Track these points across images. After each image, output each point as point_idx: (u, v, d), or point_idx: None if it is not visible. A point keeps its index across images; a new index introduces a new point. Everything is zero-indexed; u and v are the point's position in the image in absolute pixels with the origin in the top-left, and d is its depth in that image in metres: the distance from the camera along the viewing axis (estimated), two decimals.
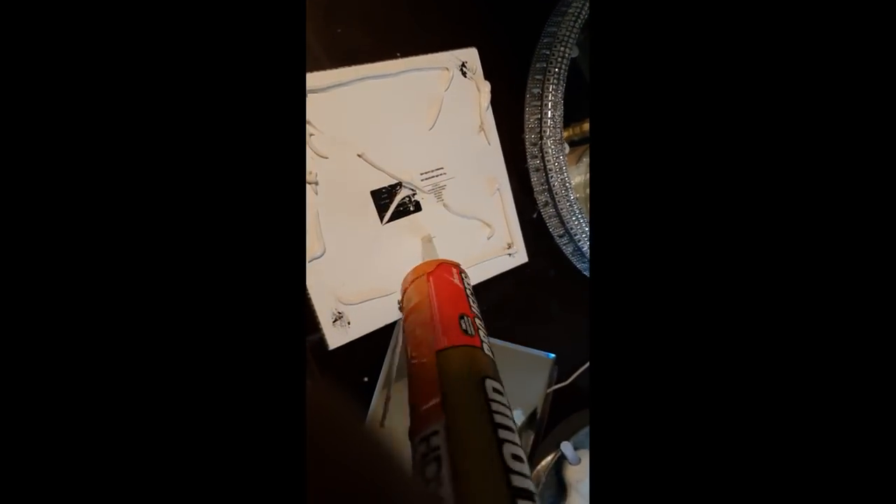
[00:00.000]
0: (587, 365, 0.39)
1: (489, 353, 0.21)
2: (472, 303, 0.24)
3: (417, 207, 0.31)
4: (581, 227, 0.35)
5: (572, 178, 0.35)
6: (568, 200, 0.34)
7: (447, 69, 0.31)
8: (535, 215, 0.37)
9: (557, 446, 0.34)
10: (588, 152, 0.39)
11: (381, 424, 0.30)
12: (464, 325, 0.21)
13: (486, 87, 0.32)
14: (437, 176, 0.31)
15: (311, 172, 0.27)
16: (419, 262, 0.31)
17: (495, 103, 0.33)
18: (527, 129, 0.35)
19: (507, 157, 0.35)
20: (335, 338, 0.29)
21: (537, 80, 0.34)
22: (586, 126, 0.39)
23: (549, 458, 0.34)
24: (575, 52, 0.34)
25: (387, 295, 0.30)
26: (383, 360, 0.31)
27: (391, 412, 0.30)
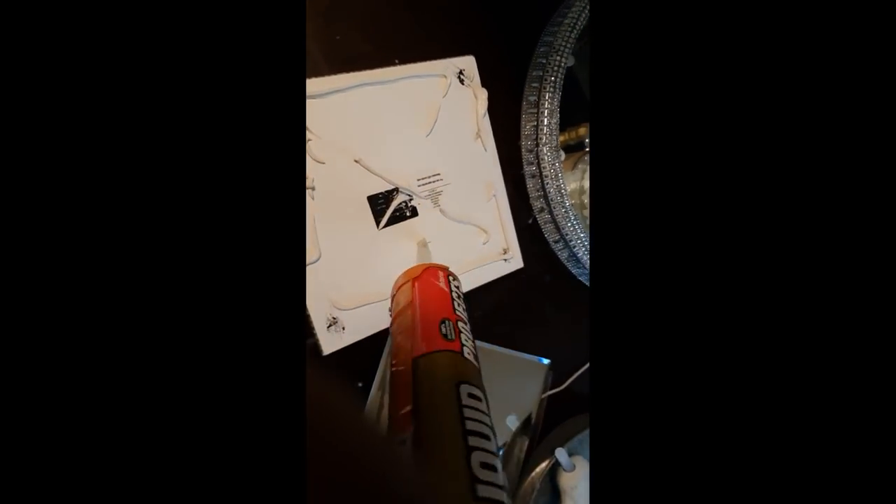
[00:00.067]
0: (582, 370, 0.39)
1: (470, 357, 0.20)
2: (457, 306, 0.23)
3: (414, 213, 0.31)
4: (576, 234, 0.35)
5: (567, 184, 0.35)
6: (563, 207, 0.35)
7: (445, 76, 0.31)
8: (530, 221, 0.37)
9: (552, 452, 0.34)
10: (583, 158, 0.39)
11: None
12: (444, 330, 0.21)
13: (483, 94, 0.32)
14: (433, 182, 0.32)
15: (308, 178, 0.27)
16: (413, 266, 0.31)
17: (492, 110, 0.33)
18: (523, 136, 0.35)
19: (503, 164, 0.35)
20: (329, 343, 0.29)
21: (534, 87, 0.35)
22: (581, 130, 0.40)
23: (544, 464, 0.34)
24: (571, 62, 0.34)
25: (382, 300, 0.30)
26: (377, 366, 0.31)
27: (385, 419, 0.30)
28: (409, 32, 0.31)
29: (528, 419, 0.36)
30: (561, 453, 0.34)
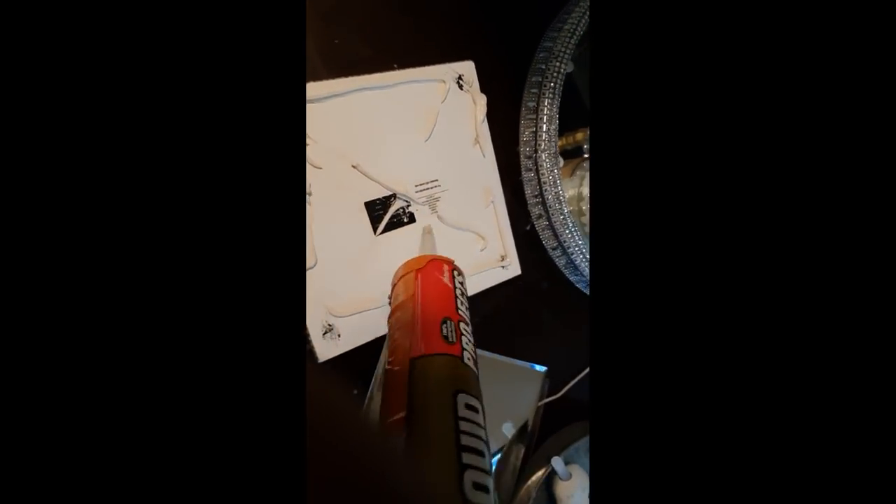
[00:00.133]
0: (578, 378, 0.39)
1: (469, 364, 0.20)
2: (460, 305, 0.22)
3: (411, 219, 0.31)
4: (574, 240, 0.35)
5: (566, 190, 0.35)
6: (562, 213, 0.34)
7: (444, 81, 0.31)
8: (528, 227, 0.37)
9: (548, 461, 0.34)
10: (581, 165, 0.39)
11: None
12: (445, 331, 0.20)
13: (483, 100, 0.32)
14: (431, 188, 0.31)
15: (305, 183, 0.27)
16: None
17: (490, 115, 0.33)
18: (521, 142, 0.35)
19: (501, 169, 0.35)
20: (325, 350, 0.28)
21: (533, 93, 0.35)
22: (579, 135, 0.40)
23: (540, 472, 0.34)
24: (570, 68, 0.34)
25: (378, 307, 0.30)
26: (373, 373, 0.31)
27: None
28: (408, 37, 0.31)
29: (524, 427, 0.36)
30: (557, 462, 0.34)
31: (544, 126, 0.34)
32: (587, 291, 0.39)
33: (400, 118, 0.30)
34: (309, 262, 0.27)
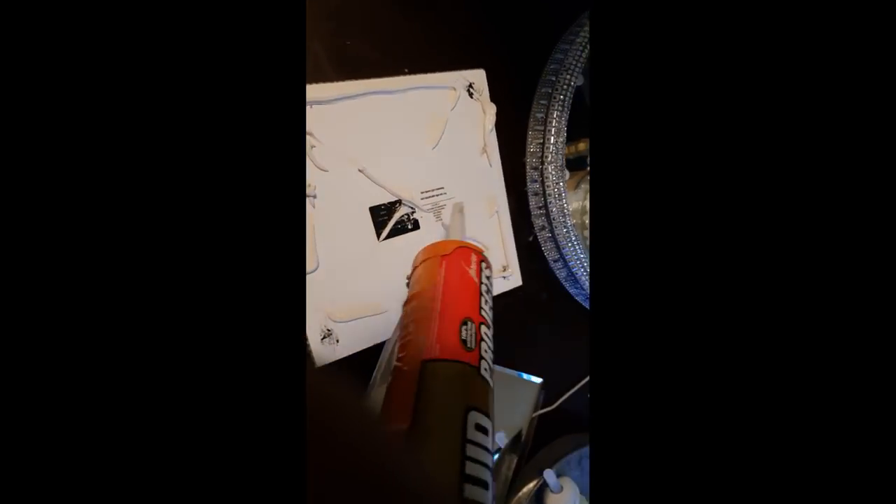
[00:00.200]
0: (573, 390, 0.39)
1: (486, 375, 0.18)
2: (484, 304, 0.20)
3: (416, 226, 0.31)
4: (576, 254, 0.35)
5: (570, 203, 0.35)
6: (565, 226, 0.34)
7: (454, 89, 0.31)
8: (530, 238, 0.37)
9: (540, 472, 0.34)
10: (586, 178, 0.39)
11: None
12: (464, 334, 0.18)
13: (492, 109, 0.32)
14: (437, 195, 0.31)
15: (309, 185, 0.26)
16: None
17: (497, 125, 0.33)
18: (528, 153, 0.35)
19: (506, 179, 0.34)
20: (323, 355, 0.28)
21: (542, 105, 0.34)
22: (581, 145, 0.40)
23: (532, 484, 0.34)
24: (580, 81, 0.34)
25: (379, 314, 0.29)
26: (371, 379, 0.30)
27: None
28: (420, 42, 0.30)
29: (517, 437, 0.36)
30: (549, 474, 0.34)
31: (552, 138, 0.34)
32: (587, 305, 0.39)
33: (408, 124, 0.29)
34: (311, 266, 0.27)
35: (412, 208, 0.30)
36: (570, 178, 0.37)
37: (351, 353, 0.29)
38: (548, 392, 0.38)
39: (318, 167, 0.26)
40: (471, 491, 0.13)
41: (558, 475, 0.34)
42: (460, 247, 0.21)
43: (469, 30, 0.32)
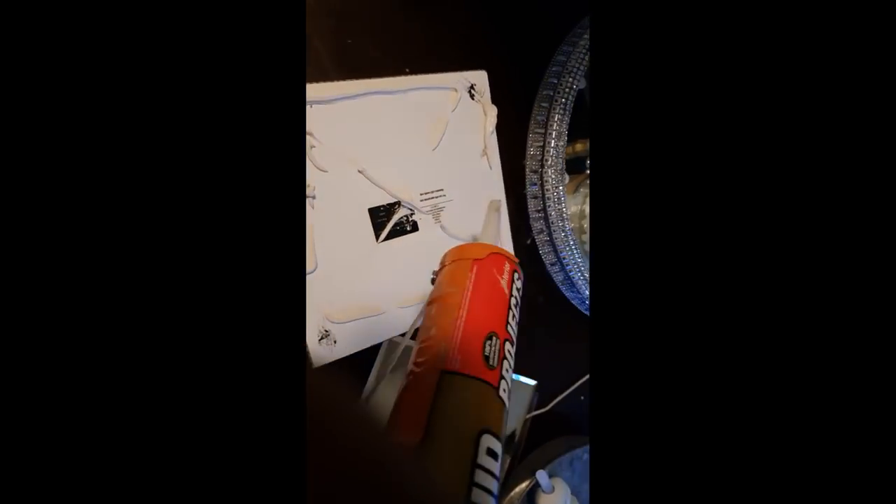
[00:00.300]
0: (566, 392, 0.40)
1: (504, 397, 0.17)
2: (510, 318, 0.19)
3: (415, 228, 0.30)
4: (573, 257, 0.35)
5: (568, 207, 0.35)
6: (563, 230, 0.34)
7: (455, 90, 0.30)
8: (528, 241, 0.37)
9: (532, 473, 0.34)
10: (585, 182, 0.39)
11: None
12: (488, 350, 0.17)
13: (493, 111, 0.32)
14: (436, 197, 0.31)
15: (309, 185, 0.26)
16: (412, 284, 0.30)
17: (498, 126, 0.33)
18: (528, 156, 0.35)
19: (505, 181, 0.34)
20: (320, 356, 0.28)
21: (543, 107, 0.34)
22: (578, 146, 0.40)
23: (524, 485, 0.35)
24: (582, 84, 0.34)
25: (376, 315, 0.29)
26: (368, 381, 0.30)
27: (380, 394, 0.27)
28: (421, 42, 0.30)
29: (510, 437, 0.36)
30: (542, 475, 0.34)
31: (552, 142, 0.34)
32: (583, 309, 0.39)
33: (409, 124, 0.29)
34: (309, 266, 0.27)
35: (411, 210, 0.30)
36: (569, 181, 0.37)
37: (348, 353, 0.29)
38: (541, 394, 0.38)
39: (317, 167, 0.26)
40: None
41: (550, 476, 0.35)
42: (494, 253, 0.20)
43: (471, 30, 0.32)
